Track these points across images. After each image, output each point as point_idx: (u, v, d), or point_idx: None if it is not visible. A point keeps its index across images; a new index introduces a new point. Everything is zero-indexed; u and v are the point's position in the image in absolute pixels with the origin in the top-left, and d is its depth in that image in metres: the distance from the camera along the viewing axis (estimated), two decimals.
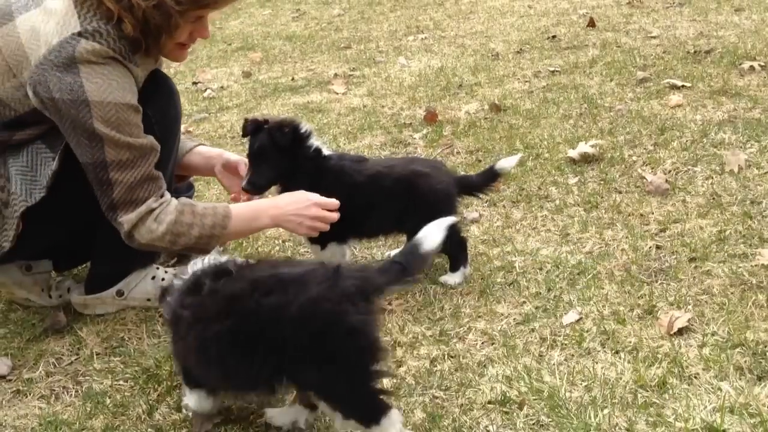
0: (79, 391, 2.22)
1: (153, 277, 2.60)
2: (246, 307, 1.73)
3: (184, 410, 2.03)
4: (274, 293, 1.72)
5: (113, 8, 2.18)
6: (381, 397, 1.75)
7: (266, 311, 1.71)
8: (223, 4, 2.32)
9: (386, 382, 1.86)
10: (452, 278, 2.58)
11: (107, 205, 2.25)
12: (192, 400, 1.95)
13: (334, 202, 2.40)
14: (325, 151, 2.57)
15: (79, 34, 2.16)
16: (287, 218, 2.38)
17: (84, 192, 2.28)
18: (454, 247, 2.52)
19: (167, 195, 2.30)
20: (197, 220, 2.27)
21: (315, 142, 2.55)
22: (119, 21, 2.19)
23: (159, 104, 2.41)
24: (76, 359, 2.37)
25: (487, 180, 2.67)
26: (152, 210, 2.24)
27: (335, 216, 2.40)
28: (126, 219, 2.24)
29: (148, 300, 2.59)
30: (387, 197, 2.52)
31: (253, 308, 1.72)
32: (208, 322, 1.76)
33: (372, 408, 1.73)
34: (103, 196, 2.24)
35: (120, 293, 2.57)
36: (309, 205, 2.38)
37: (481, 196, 2.77)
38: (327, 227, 2.40)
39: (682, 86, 4.04)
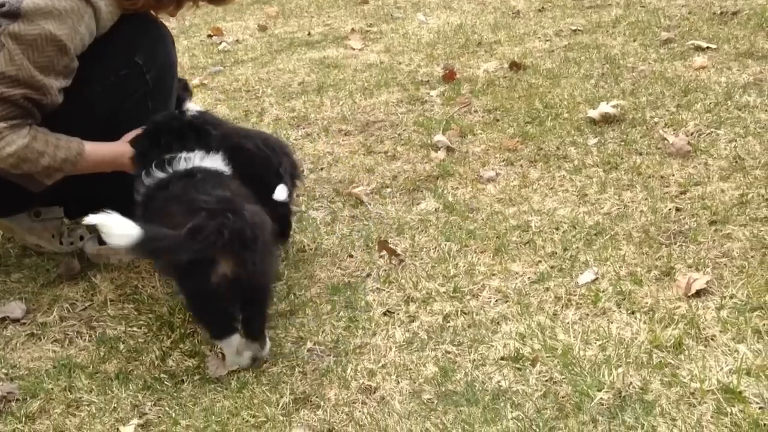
0: (93, 336, 2.23)
1: None
2: None
3: None
4: None
5: None
6: None
7: None
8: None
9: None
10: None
11: None
12: None
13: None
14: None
15: None
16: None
17: (88, 138, 2.26)
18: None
19: (25, 127, 2.17)
20: (50, 150, 2.19)
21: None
22: None
23: (149, 52, 2.36)
24: (89, 305, 2.38)
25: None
26: None
27: None
28: None
29: None
30: None
31: None
32: None
33: None
34: None
35: None
36: None
37: None
38: None
39: (707, 48, 3.94)
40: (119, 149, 2.32)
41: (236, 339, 1.99)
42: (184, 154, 2.17)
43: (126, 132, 2.34)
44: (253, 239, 1.89)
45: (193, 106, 2.64)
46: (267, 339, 2.05)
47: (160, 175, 2.15)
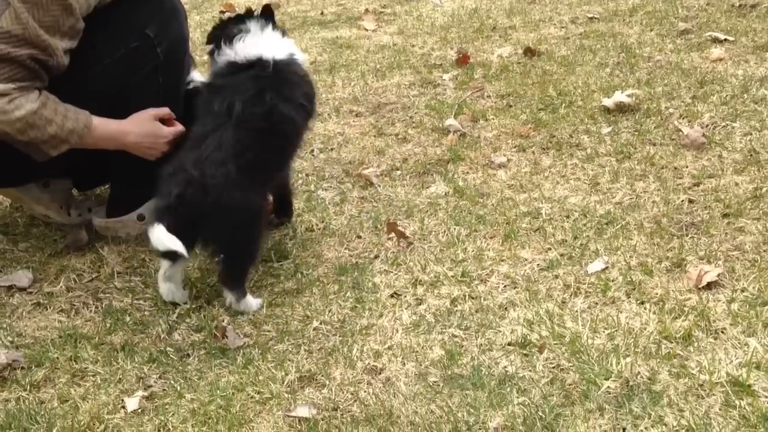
0: (99, 308, 2.23)
1: None
2: None
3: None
4: None
5: None
6: None
7: None
8: None
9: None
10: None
11: None
12: None
13: (166, 110, 2.35)
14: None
15: None
16: (142, 150, 2.34)
17: (98, 111, 2.24)
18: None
19: (34, 91, 2.14)
20: (58, 119, 2.15)
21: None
22: None
23: (161, 25, 2.33)
24: (96, 277, 2.38)
25: None
26: (6, 94, 2.08)
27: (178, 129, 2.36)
28: None
29: None
30: None
31: None
32: None
33: None
34: None
35: (141, 217, 2.55)
36: (161, 137, 2.34)
37: None
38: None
39: (725, 40, 3.90)
40: (124, 128, 2.30)
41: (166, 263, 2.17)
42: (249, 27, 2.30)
43: (136, 109, 2.32)
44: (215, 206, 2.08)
45: (197, 75, 2.61)
46: (243, 294, 2.14)
47: (225, 58, 2.29)
